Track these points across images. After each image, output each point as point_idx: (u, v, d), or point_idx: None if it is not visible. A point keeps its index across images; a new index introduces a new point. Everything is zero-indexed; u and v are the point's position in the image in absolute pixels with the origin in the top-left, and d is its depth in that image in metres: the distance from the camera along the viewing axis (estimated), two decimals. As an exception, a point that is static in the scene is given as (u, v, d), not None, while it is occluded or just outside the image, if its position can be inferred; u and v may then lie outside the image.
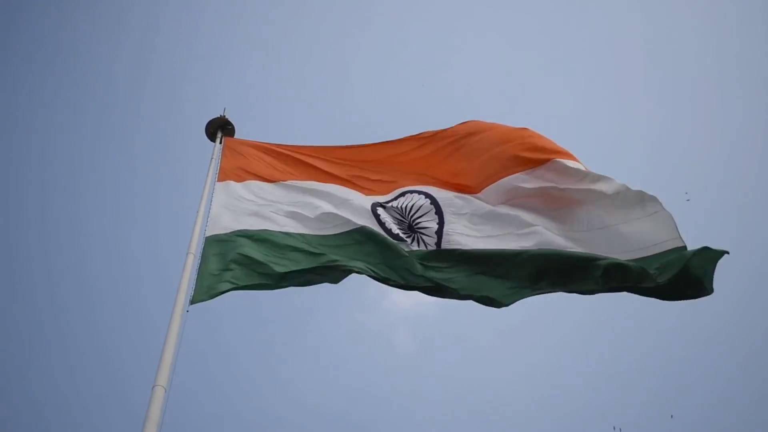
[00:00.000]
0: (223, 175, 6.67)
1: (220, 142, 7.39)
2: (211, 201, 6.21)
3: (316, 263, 5.52)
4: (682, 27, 22.37)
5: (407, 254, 5.60)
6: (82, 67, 20.84)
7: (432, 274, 5.48)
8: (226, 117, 7.69)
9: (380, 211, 6.16)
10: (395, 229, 5.92)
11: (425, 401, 17.26)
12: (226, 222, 5.89)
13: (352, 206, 6.19)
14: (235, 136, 7.66)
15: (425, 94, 22.75)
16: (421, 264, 5.53)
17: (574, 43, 23.04)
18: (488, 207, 6.03)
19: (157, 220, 19.26)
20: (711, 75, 21.07)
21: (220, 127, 7.62)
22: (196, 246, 5.57)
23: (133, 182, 19.97)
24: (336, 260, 5.50)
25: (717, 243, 4.93)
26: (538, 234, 5.51)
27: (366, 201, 6.33)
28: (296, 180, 6.72)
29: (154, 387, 4.34)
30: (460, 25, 24.03)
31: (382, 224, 5.98)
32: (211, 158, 7.08)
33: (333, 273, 5.55)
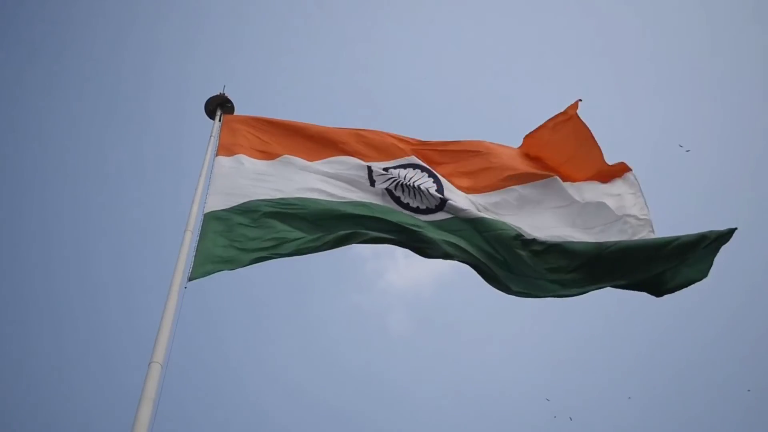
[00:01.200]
0: (223, 151, 6.61)
1: (220, 120, 7.32)
2: (210, 178, 6.17)
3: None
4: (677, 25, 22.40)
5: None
6: (88, 53, 20.84)
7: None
8: (226, 95, 7.61)
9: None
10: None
11: (420, 383, 17.36)
12: (224, 197, 5.85)
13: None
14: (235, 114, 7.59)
15: (426, 81, 22.75)
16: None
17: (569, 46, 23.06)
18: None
19: (158, 198, 19.30)
20: (709, 73, 21.08)
21: (219, 105, 7.53)
22: (194, 223, 5.54)
23: (134, 161, 20.02)
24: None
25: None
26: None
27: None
28: (320, 156, 6.70)
29: (150, 363, 4.32)
30: (461, 22, 23.97)
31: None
32: (210, 136, 6.99)
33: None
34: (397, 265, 21.55)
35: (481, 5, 23.48)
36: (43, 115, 19.39)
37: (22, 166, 18.94)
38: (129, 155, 20.29)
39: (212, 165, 6.37)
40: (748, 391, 14.47)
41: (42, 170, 19.10)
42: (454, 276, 20.34)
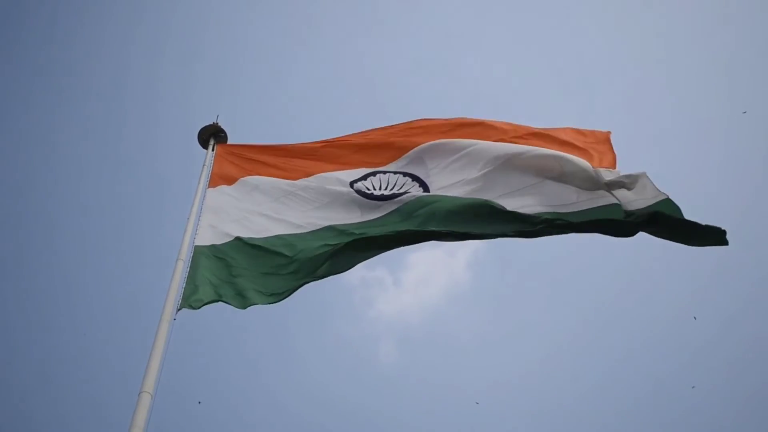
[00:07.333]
0: (215, 181, 6.68)
1: (213, 150, 7.42)
2: (202, 209, 6.23)
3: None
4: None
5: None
6: (87, 78, 21.02)
7: None
8: (219, 124, 7.71)
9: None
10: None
11: (410, 414, 17.23)
12: (215, 230, 5.90)
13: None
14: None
15: (424, 101, 22.85)
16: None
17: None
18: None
19: (151, 227, 19.29)
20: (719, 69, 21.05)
21: (212, 135, 7.64)
22: (185, 253, 5.60)
23: (128, 189, 20.09)
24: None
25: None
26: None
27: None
28: (303, 177, 6.71)
29: (140, 393, 4.34)
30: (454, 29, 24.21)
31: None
32: (203, 165, 7.10)
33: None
34: (387, 293, 21.53)
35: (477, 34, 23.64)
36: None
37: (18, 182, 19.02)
38: (128, 184, 20.38)
39: (204, 195, 6.44)
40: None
41: (40, 191, 19.20)
42: (441, 304, 20.39)
